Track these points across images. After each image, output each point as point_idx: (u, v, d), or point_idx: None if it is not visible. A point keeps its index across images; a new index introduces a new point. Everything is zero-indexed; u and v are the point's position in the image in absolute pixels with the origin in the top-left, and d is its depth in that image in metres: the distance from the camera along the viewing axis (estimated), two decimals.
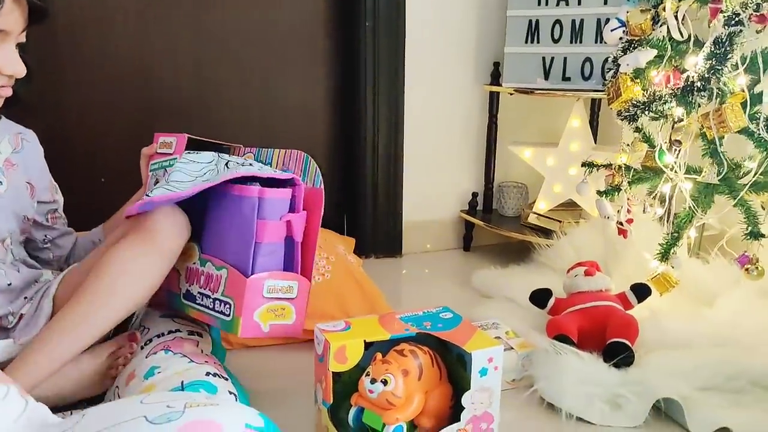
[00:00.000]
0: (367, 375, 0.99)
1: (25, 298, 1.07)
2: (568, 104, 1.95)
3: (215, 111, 1.83)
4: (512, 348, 1.26)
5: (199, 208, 1.09)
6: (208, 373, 1.00)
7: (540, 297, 1.41)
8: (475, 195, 2.08)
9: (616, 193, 1.54)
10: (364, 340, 1.00)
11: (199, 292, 1.09)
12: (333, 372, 0.98)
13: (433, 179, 2.08)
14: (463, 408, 0.97)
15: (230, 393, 0.99)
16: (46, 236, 1.18)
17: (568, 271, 1.49)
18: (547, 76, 1.81)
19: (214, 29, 1.79)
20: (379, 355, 1.01)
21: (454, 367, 1.07)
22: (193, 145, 1.18)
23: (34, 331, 1.00)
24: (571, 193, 1.89)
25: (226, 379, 1.02)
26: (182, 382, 0.97)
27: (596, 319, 1.28)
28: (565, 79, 1.79)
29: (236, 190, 1.05)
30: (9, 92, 0.97)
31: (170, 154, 1.16)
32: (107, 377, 1.06)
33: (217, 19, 1.79)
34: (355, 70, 1.91)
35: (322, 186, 1.13)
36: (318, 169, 1.15)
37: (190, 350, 1.08)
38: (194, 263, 1.10)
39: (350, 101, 1.95)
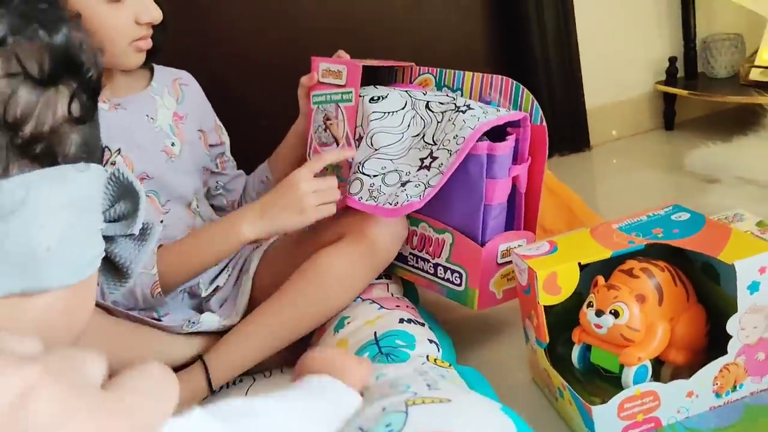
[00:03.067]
0: (590, 306, 0.79)
1: (223, 268, 1.02)
2: None
3: (360, 28, 1.64)
4: None
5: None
6: (401, 320, 0.88)
7: None
8: (673, 60, 1.70)
9: None
10: (579, 263, 0.79)
11: (411, 254, 0.98)
12: (545, 306, 0.79)
13: (617, 49, 1.73)
14: (725, 334, 0.74)
15: (430, 342, 0.85)
16: (217, 183, 1.11)
17: None
18: None
19: None
20: (601, 279, 0.80)
21: (701, 282, 0.83)
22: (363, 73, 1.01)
23: (235, 312, 0.94)
24: None
25: (423, 325, 0.89)
26: (375, 334, 0.85)
27: None
28: None
29: None
30: (149, 44, 0.91)
31: (341, 86, 0.99)
32: None
33: None
34: None
35: (544, 122, 0.93)
36: (535, 100, 0.93)
37: (379, 295, 0.97)
38: None
39: None
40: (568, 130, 1.75)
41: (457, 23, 1.71)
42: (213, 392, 0.85)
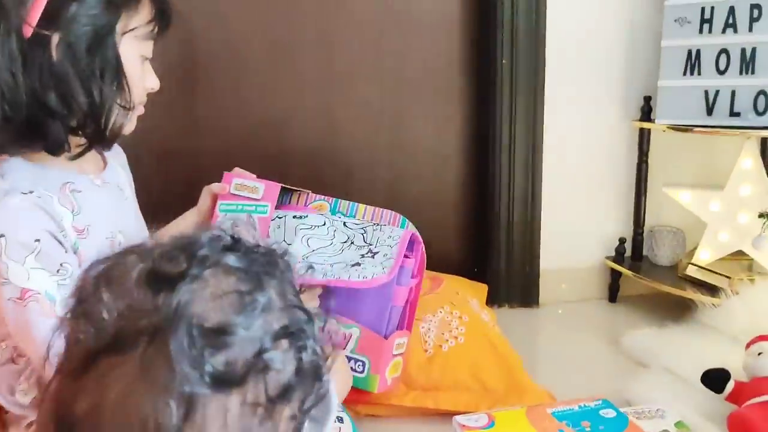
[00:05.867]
0: None
1: None
2: (733, 143, 1.70)
3: (343, 155, 1.79)
4: None
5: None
6: None
7: (716, 379, 1.20)
8: (622, 240, 1.88)
9: None
10: None
11: None
12: None
13: (575, 222, 1.90)
14: None
15: None
16: None
17: (748, 346, 1.26)
18: (710, 111, 1.59)
19: (343, 71, 1.75)
20: None
21: None
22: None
23: None
24: (741, 244, 1.64)
25: None
26: None
27: None
28: (734, 114, 1.55)
29: None
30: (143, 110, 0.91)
31: (255, 200, 1.11)
32: None
33: (346, 61, 1.75)
34: (490, 110, 1.79)
35: (423, 245, 1.14)
36: (416, 231, 1.14)
37: None
38: None
39: (484, 140, 1.83)
40: (521, 285, 1.88)
41: (433, 169, 1.87)
42: None
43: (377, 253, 1.06)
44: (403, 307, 1.15)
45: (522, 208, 1.84)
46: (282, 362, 0.37)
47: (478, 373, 1.34)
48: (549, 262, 1.88)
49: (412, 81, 1.80)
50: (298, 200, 1.23)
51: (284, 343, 0.38)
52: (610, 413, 0.94)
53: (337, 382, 1.03)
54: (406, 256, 1.10)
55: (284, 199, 1.23)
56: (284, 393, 0.37)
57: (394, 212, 1.17)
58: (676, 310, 1.64)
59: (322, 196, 1.21)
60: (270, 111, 1.73)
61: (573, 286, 1.92)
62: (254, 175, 1.16)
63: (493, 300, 1.84)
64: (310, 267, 1.01)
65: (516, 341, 1.47)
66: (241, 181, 1.11)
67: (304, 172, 1.21)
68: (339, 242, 1.10)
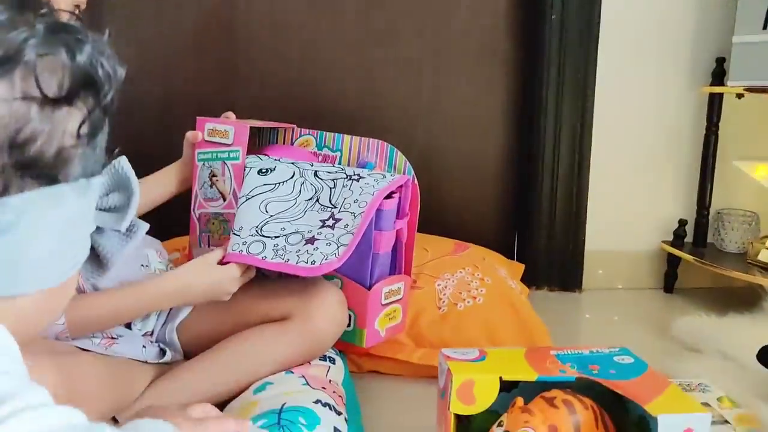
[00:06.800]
0: (500, 425, 0.72)
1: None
2: None
3: (380, 115, 1.68)
4: (727, 422, 0.88)
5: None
6: (318, 401, 0.84)
7: None
8: (683, 223, 1.67)
9: None
10: (501, 378, 0.73)
11: None
12: (458, 415, 0.72)
13: (627, 200, 1.71)
14: None
15: (336, 430, 0.80)
16: None
17: None
18: None
19: (384, 29, 1.66)
20: (519, 401, 0.73)
21: None
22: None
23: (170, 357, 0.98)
24: None
25: (340, 414, 0.84)
26: (283, 405, 0.81)
27: None
28: None
29: None
30: None
31: (227, 145, 1.02)
32: None
33: (387, 18, 1.66)
34: (536, 72, 1.64)
35: (416, 180, 1.04)
36: (407, 161, 1.05)
37: (313, 374, 0.94)
38: None
39: (529, 106, 1.68)
40: (562, 268, 1.70)
41: (472, 135, 1.73)
42: None
43: (338, 221, 0.95)
44: (394, 251, 1.04)
45: (567, 181, 1.67)
46: (48, 52, 0.35)
47: (494, 334, 1.20)
48: (595, 243, 1.70)
49: (454, 41, 1.68)
50: (284, 138, 1.15)
51: (53, 37, 0.35)
52: (626, 359, 0.77)
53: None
54: (391, 193, 0.99)
55: (271, 138, 1.16)
56: (66, 95, 0.35)
57: (381, 141, 1.08)
58: (741, 300, 1.43)
59: (308, 131, 1.13)
60: (308, 68, 1.66)
61: (622, 272, 1.73)
62: (231, 115, 1.07)
63: (530, 281, 1.67)
64: (258, 240, 0.94)
65: (553, 324, 1.30)
66: (213, 126, 1.03)
67: (337, 131, 1.13)
68: (303, 200, 0.98)
